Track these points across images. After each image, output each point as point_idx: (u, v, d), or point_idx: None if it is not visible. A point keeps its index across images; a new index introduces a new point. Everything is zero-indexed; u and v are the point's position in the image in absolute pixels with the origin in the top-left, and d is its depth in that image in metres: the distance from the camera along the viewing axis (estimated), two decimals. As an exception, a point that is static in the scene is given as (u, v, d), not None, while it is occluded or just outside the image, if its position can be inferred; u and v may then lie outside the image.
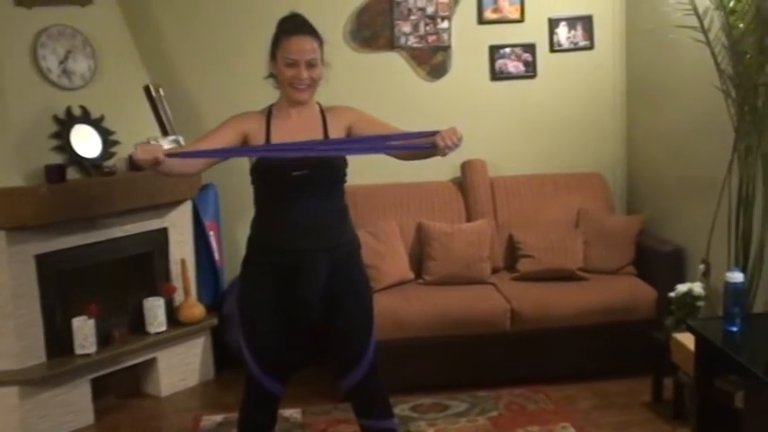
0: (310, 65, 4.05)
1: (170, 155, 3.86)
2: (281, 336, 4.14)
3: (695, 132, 6.05)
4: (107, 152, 5.79)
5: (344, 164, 4.19)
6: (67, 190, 5.46)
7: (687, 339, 4.96)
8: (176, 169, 4.03)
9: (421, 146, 4.03)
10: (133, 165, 3.80)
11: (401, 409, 5.59)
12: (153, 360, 6.12)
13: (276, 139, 4.08)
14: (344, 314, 4.18)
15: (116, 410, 5.97)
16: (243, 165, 4.24)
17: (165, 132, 6.21)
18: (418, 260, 6.51)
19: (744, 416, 4.30)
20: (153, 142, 5.50)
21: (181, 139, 6.11)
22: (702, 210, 5.73)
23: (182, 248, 6.29)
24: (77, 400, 5.64)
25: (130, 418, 5.88)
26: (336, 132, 4.16)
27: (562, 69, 7.15)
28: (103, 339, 5.77)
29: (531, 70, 7.13)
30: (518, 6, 7.04)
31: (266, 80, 4.23)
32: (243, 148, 4.17)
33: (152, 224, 6.08)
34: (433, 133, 3.92)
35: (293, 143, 3.99)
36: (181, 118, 6.39)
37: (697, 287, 5.45)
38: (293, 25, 4.10)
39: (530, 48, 7.11)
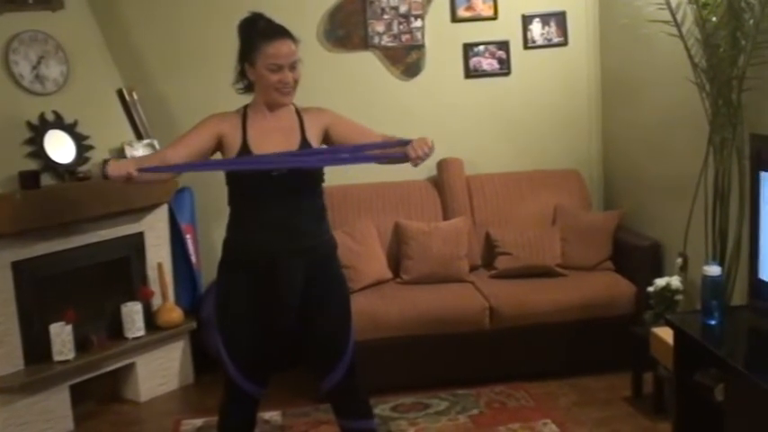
0: (293, 67, 4.05)
1: (142, 169, 3.87)
2: (260, 338, 4.13)
3: (670, 126, 6.07)
4: (81, 157, 5.77)
5: (322, 164, 4.19)
6: (42, 196, 5.43)
7: (666, 333, 4.97)
8: (150, 179, 4.07)
9: (393, 155, 4.05)
10: (105, 177, 3.84)
11: (381, 408, 5.59)
12: (132, 365, 6.09)
13: (252, 139, 4.06)
14: (323, 315, 4.17)
15: (96, 416, 5.95)
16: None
17: (139, 136, 6.19)
18: (396, 259, 6.51)
19: (724, 409, 4.30)
20: (127, 147, 5.49)
21: (155, 143, 6.10)
22: (679, 204, 5.74)
23: (158, 252, 6.27)
24: (56, 406, 5.61)
25: (110, 424, 5.86)
26: (313, 133, 4.15)
27: (536, 66, 7.16)
28: (81, 345, 5.74)
29: (505, 67, 7.14)
30: (491, 4, 7.05)
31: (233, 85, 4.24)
32: (216, 161, 4.20)
33: (128, 228, 6.05)
34: (406, 142, 3.93)
35: (268, 155, 3.99)
36: (155, 121, 6.38)
37: (675, 281, 5.47)
38: (272, 29, 4.06)
39: (503, 45, 7.12)
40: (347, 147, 4.20)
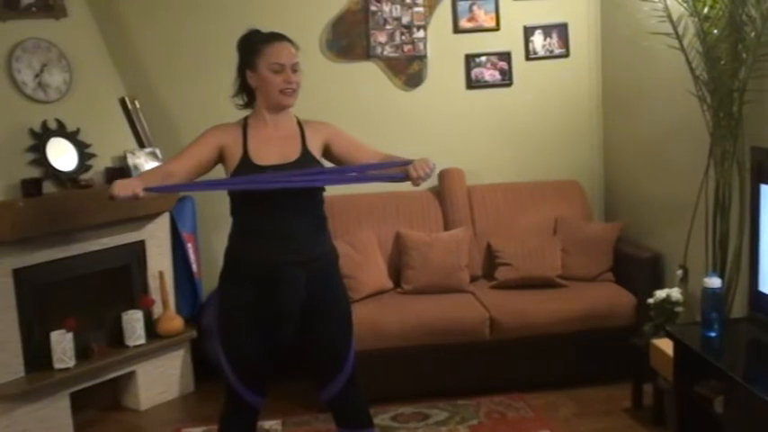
0: (294, 69, 4.10)
1: (147, 189, 3.87)
2: (261, 347, 4.14)
3: (671, 138, 6.08)
4: (83, 165, 5.77)
5: (322, 171, 4.22)
6: (44, 204, 5.44)
7: (666, 345, 4.98)
8: (155, 195, 4.07)
9: (393, 176, 4.07)
10: (111, 198, 3.84)
11: (381, 418, 5.59)
12: (132, 373, 6.10)
13: (253, 149, 4.08)
14: (323, 325, 4.18)
15: (96, 424, 5.95)
16: (220, 176, 4.23)
17: (141, 144, 6.20)
18: (397, 269, 6.51)
19: (723, 420, 4.31)
20: (129, 155, 5.50)
21: (157, 151, 6.11)
22: (680, 216, 5.75)
23: (160, 261, 6.27)
24: (57, 414, 5.61)
25: (110, 432, 5.88)
26: (313, 145, 4.17)
27: (538, 77, 7.17)
28: (82, 353, 5.75)
29: (506, 78, 7.15)
30: (493, 15, 7.06)
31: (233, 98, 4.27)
32: (220, 181, 4.20)
33: (130, 237, 6.05)
34: (407, 162, 3.96)
35: (271, 175, 3.99)
36: (157, 130, 6.40)
37: (675, 293, 5.47)
38: (270, 34, 4.15)
39: (505, 56, 7.13)
40: (350, 167, 4.23)
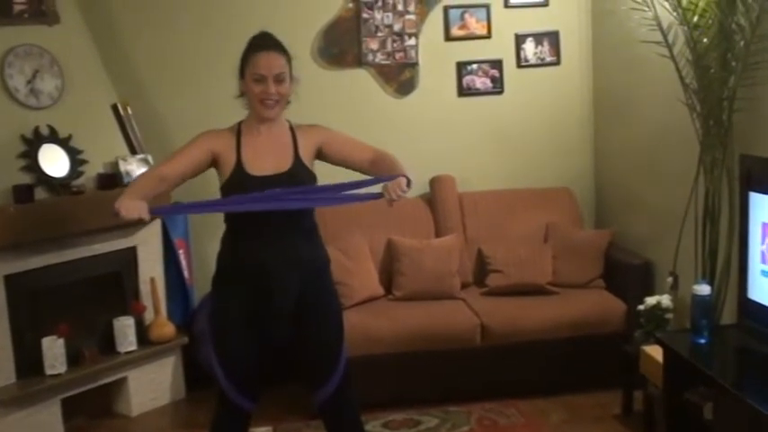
0: (278, 80, 4.08)
1: (153, 211, 3.94)
2: (253, 352, 4.17)
3: (661, 146, 6.10)
4: (75, 171, 5.77)
5: (314, 181, 4.23)
6: (36, 210, 5.44)
7: (656, 352, 4.99)
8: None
9: (370, 196, 4.09)
10: (116, 214, 3.87)
11: (373, 425, 5.59)
12: (123, 379, 6.09)
13: (246, 158, 4.10)
14: (315, 330, 4.21)
15: (87, 431, 5.94)
16: (212, 182, 4.25)
17: (133, 151, 6.20)
18: (388, 276, 6.51)
19: (713, 427, 4.32)
20: (121, 161, 5.50)
21: (149, 158, 6.11)
22: (670, 223, 5.76)
23: (151, 267, 6.27)
24: (48, 420, 5.60)
25: (101, 439, 5.87)
26: (306, 150, 4.19)
27: (529, 85, 7.19)
28: (73, 359, 5.73)
29: (498, 86, 7.16)
30: (485, 23, 7.07)
31: (237, 99, 4.26)
32: (224, 201, 4.20)
33: (121, 243, 6.05)
34: (390, 178, 3.98)
35: (249, 196, 3.99)
36: (149, 136, 6.39)
37: (665, 300, 5.48)
38: (260, 42, 4.15)
39: (497, 64, 7.14)
40: (329, 185, 4.21)
